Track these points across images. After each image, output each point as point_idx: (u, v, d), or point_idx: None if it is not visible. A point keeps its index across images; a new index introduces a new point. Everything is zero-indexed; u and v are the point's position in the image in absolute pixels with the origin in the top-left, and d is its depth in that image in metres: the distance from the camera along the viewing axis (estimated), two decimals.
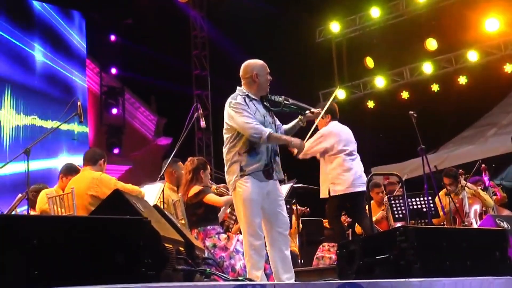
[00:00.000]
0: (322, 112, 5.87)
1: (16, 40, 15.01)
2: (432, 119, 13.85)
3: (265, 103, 5.70)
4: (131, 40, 17.44)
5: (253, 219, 5.43)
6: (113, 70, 17.73)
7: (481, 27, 14.18)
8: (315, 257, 10.69)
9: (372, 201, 9.05)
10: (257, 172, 5.47)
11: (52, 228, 3.31)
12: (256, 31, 15.36)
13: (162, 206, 7.00)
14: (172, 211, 7.23)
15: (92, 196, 6.78)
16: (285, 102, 5.67)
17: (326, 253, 10.52)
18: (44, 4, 15.84)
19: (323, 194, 7.75)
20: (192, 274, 4.16)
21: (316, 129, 7.18)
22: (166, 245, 3.83)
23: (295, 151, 5.73)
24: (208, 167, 7.62)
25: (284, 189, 7.45)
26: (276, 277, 5.51)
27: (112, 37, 17.71)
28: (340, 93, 16.28)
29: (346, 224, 10.09)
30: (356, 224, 9.12)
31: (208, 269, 4.45)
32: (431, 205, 8.46)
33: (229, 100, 5.62)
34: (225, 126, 5.64)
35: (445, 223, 9.05)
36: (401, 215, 8.68)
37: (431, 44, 15.02)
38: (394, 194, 9.32)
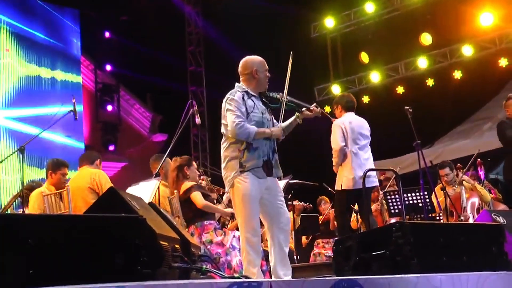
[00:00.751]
0: (287, 86, 5.79)
1: None
2: (428, 114, 13.86)
3: (263, 99, 5.69)
4: (125, 37, 17.41)
5: (251, 216, 5.41)
6: (108, 67, 17.72)
7: (476, 21, 14.20)
8: (312, 253, 10.73)
9: None
10: (257, 168, 5.45)
11: (47, 227, 3.29)
12: (250, 27, 15.35)
13: (157, 203, 7.02)
14: (168, 208, 7.25)
15: (93, 190, 6.82)
16: (283, 99, 5.66)
17: (322, 250, 10.55)
18: (38, 1, 15.76)
19: (336, 186, 7.74)
20: (188, 271, 4.15)
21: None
22: (162, 242, 3.82)
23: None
24: (194, 163, 7.70)
25: (280, 185, 7.45)
26: (273, 273, 5.50)
27: (107, 34, 17.69)
28: (335, 89, 16.31)
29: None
30: (352, 219, 9.12)
31: (204, 267, 4.44)
32: (427, 200, 8.46)
33: (227, 95, 5.60)
34: (222, 121, 5.62)
35: (441, 216, 9.05)
36: (397, 210, 8.68)
37: (426, 38, 15.05)
38: (388, 189, 9.31)
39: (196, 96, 17.21)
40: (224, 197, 8.35)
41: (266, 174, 5.51)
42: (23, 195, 7.53)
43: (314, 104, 5.87)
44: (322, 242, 10.77)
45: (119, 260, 3.32)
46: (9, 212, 8.52)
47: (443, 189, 8.78)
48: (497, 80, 14.56)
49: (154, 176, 7.42)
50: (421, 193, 8.44)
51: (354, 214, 9.15)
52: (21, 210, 7.94)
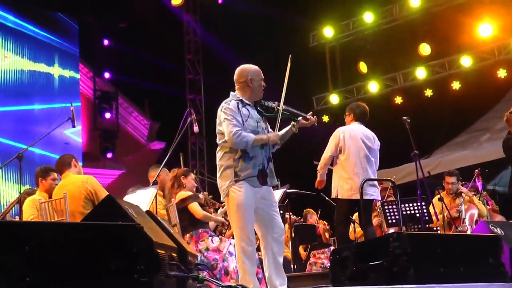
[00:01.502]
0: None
1: None
2: (426, 124, 13.87)
3: (258, 108, 5.68)
4: (124, 44, 17.41)
5: (246, 225, 5.41)
6: (107, 75, 17.71)
7: (475, 32, 14.22)
8: (308, 262, 10.71)
9: None
10: (252, 177, 5.44)
11: (44, 234, 3.29)
12: (249, 36, 15.37)
13: (155, 212, 7.02)
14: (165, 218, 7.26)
15: (85, 198, 6.77)
16: (278, 108, 5.64)
17: (318, 260, 10.55)
18: (37, 8, 15.78)
19: (333, 194, 7.68)
20: (185, 280, 4.14)
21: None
22: (159, 251, 3.81)
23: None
24: (191, 174, 7.79)
25: (277, 194, 7.45)
26: (269, 283, 5.49)
27: (106, 41, 17.69)
28: (334, 98, 16.32)
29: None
30: (350, 230, 9.09)
31: (201, 275, 4.43)
32: (424, 210, 8.44)
33: (222, 104, 5.60)
34: (217, 130, 5.62)
35: (439, 228, 9.04)
36: (394, 221, 8.66)
37: (425, 49, 15.07)
38: (385, 199, 9.30)
39: (194, 104, 17.20)
40: (219, 211, 8.37)
41: (261, 183, 5.49)
42: (21, 201, 7.49)
43: (311, 113, 5.86)
44: (318, 253, 10.77)
45: (116, 268, 3.31)
46: (6, 218, 8.48)
47: (440, 199, 8.77)
48: (496, 91, 14.57)
49: (151, 184, 7.42)
50: (419, 204, 8.42)
51: (352, 225, 9.12)
52: (18, 217, 7.90)
